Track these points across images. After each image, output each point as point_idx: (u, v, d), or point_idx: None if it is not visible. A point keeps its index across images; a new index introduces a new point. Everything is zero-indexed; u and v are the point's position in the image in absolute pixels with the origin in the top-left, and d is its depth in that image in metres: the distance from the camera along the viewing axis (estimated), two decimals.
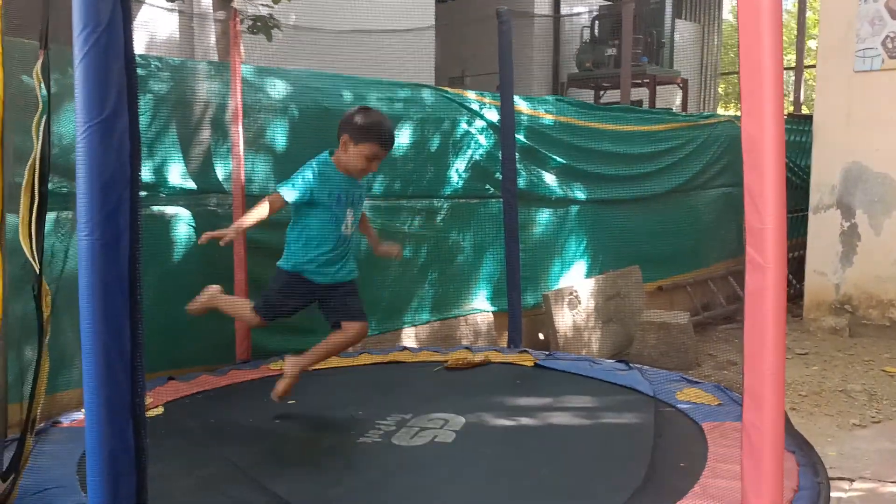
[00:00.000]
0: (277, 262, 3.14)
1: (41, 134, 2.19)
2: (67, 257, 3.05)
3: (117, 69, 1.47)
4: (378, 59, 4.71)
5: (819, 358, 5.93)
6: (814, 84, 7.56)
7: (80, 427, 2.96)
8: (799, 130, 8.19)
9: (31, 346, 3.15)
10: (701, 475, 2.49)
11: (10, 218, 2.68)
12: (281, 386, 3.08)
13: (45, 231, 2.25)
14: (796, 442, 2.71)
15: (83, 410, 3.06)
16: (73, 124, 2.09)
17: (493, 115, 5.14)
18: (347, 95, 4.55)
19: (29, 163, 2.20)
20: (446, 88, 5.26)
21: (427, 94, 4.98)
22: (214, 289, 3.08)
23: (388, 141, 3.08)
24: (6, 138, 2.56)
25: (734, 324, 6.97)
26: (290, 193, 3.03)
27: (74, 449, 2.70)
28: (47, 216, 2.32)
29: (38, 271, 2.14)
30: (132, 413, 1.51)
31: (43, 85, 2.25)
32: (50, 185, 2.29)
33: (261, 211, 3.01)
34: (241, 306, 2.93)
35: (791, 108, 11.54)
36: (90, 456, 1.52)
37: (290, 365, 3.10)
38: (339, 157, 3.10)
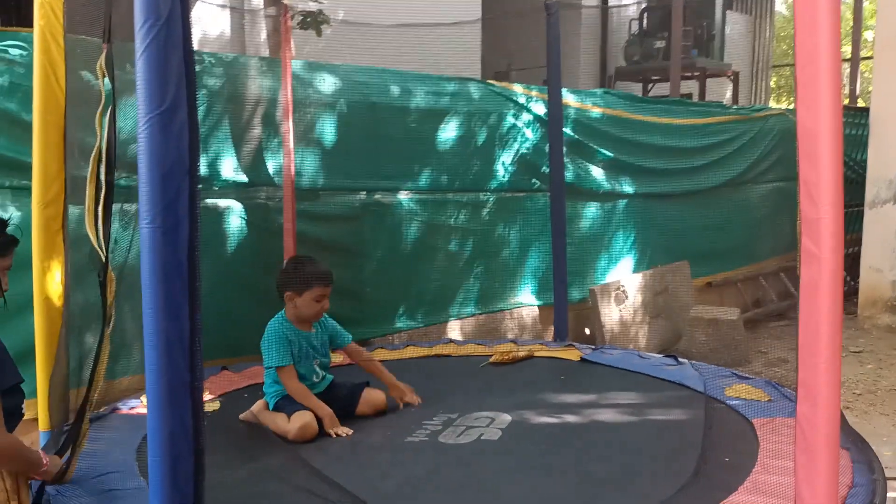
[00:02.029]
0: (273, 407, 3.09)
1: (106, 125, 2.25)
2: (128, 247, 3.14)
3: (177, 61, 1.52)
4: (424, 53, 4.73)
5: (874, 356, 5.79)
6: (870, 76, 7.35)
7: (138, 415, 3.05)
8: (855, 123, 7.98)
9: (91, 333, 3.25)
10: (752, 471, 2.46)
11: (72, 209, 2.78)
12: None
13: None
14: (851, 439, 2.65)
15: (141, 399, 3.15)
16: (130, 119, 2.15)
17: (539, 109, 5.13)
18: (395, 90, 4.58)
19: (93, 153, 2.27)
20: (493, 82, 5.26)
21: (473, 88, 4.99)
22: (260, 404, 3.16)
23: (326, 277, 3.12)
24: (69, 132, 2.66)
25: (786, 321, 6.83)
26: (285, 360, 3.05)
27: (133, 436, 2.78)
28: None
29: (104, 259, 2.21)
30: (191, 396, 1.56)
31: (107, 78, 2.31)
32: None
33: (298, 386, 3.04)
34: (282, 420, 3.00)
35: (847, 101, 11.23)
36: (151, 437, 1.57)
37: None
38: (290, 313, 3.12)
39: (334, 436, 2.94)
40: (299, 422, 2.92)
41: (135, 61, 1.52)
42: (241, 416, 3.17)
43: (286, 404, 3.03)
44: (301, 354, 3.12)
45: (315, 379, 3.17)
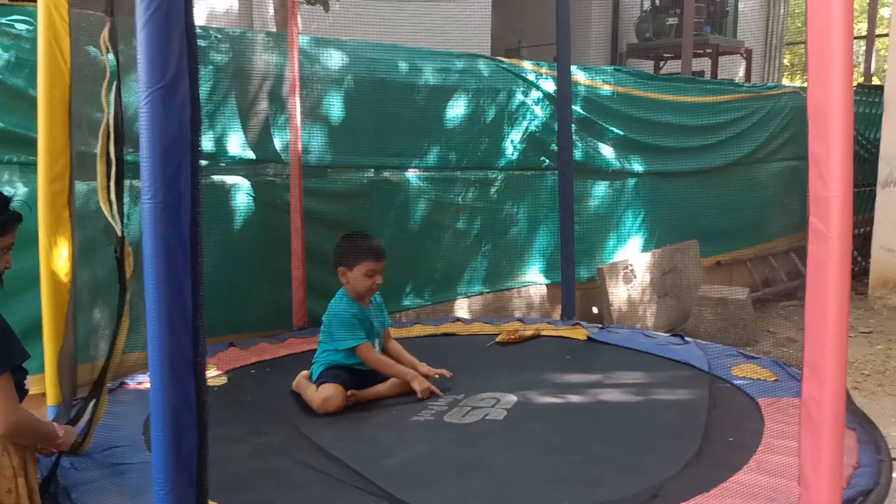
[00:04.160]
0: (315, 377, 3.12)
1: (112, 100, 2.24)
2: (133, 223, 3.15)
3: (178, 35, 1.50)
4: (434, 29, 4.68)
5: (884, 337, 5.76)
6: (885, 54, 7.25)
7: (145, 390, 3.07)
8: (869, 102, 7.88)
9: (98, 309, 3.27)
10: (756, 450, 2.46)
11: (79, 185, 2.78)
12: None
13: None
14: (857, 419, 2.64)
15: (148, 374, 3.18)
16: (136, 94, 2.14)
17: (549, 86, 5.08)
18: (403, 66, 4.55)
19: (101, 129, 2.26)
20: (502, 58, 5.21)
21: (483, 65, 4.95)
22: (303, 374, 3.21)
23: (377, 251, 3.16)
24: (74, 107, 2.65)
25: (795, 301, 6.80)
26: (360, 338, 3.10)
27: (140, 410, 2.79)
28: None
29: (119, 233, 2.21)
30: (194, 371, 1.56)
31: (111, 52, 2.30)
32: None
33: (378, 357, 3.12)
34: (311, 391, 3.06)
35: (861, 79, 11.08)
36: (154, 412, 1.58)
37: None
38: (348, 290, 3.17)
39: (422, 397, 3.01)
40: (323, 393, 2.98)
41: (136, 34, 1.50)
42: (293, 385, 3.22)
43: (324, 375, 3.06)
44: (365, 331, 3.14)
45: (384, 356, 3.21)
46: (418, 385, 3.07)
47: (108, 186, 2.25)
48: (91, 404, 2.41)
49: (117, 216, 2.22)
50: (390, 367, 3.13)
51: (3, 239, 1.98)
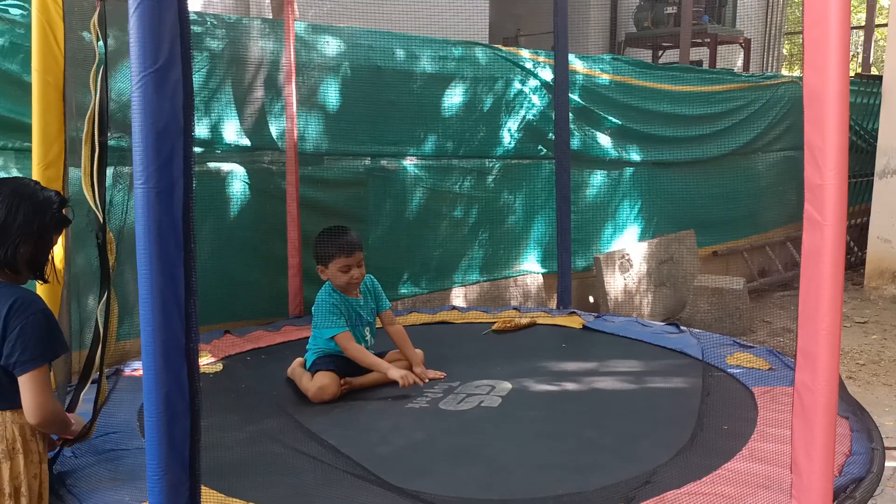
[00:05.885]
0: (309, 365, 3.15)
1: (98, 85, 2.23)
2: (128, 210, 3.13)
3: (171, 19, 1.49)
4: (431, 16, 4.67)
5: (879, 327, 5.77)
6: (884, 44, 7.23)
7: (140, 377, 3.07)
8: (867, 92, 7.86)
9: (92, 296, 3.26)
10: (749, 438, 2.46)
11: (72, 171, 2.77)
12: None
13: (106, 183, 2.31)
14: (850, 408, 2.65)
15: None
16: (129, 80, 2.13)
17: (547, 75, 5.07)
18: (400, 53, 4.53)
19: (88, 114, 2.25)
20: (500, 46, 5.19)
21: (480, 53, 4.93)
22: (298, 361, 3.24)
23: (347, 246, 3.13)
24: (68, 93, 2.64)
25: (791, 291, 6.81)
26: (339, 327, 3.11)
27: (135, 397, 2.80)
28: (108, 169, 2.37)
29: (101, 220, 2.21)
30: (186, 356, 1.56)
31: (100, 37, 2.28)
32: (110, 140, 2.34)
33: (357, 348, 3.11)
34: (306, 379, 3.07)
35: (860, 69, 11.06)
36: (147, 397, 1.58)
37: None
38: (332, 283, 3.18)
39: (404, 385, 2.99)
40: (318, 382, 2.99)
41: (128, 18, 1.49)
42: (287, 371, 3.25)
43: (318, 363, 3.09)
44: (349, 322, 3.16)
45: (363, 346, 3.21)
46: (396, 374, 3.02)
47: (92, 172, 2.23)
48: (86, 391, 2.41)
49: (98, 202, 2.21)
50: (366, 357, 3.10)
51: (56, 237, 2.07)
